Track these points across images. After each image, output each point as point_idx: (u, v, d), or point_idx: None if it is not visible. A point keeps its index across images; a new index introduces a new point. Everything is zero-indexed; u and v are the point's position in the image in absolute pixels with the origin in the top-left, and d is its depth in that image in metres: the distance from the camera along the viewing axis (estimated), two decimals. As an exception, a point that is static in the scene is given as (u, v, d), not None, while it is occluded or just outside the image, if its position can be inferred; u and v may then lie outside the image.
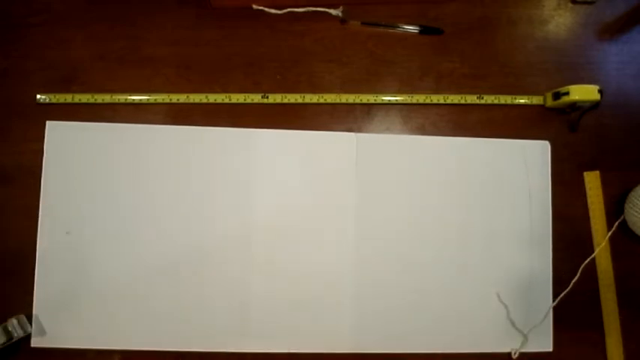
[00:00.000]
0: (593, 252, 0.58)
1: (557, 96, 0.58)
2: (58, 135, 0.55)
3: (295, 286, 0.55)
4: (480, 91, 0.59)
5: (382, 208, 0.57)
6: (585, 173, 0.59)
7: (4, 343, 0.51)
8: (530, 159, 0.58)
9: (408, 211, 0.57)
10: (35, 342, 0.53)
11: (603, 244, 0.58)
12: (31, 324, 0.53)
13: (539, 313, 0.57)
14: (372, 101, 0.58)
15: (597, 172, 0.59)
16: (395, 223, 0.57)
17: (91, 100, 0.56)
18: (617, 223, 0.58)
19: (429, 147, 0.58)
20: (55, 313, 0.54)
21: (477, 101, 0.59)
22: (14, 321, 0.51)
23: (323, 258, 0.56)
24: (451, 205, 0.57)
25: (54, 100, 0.56)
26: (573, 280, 0.57)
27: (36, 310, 0.53)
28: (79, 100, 0.56)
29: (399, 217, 0.57)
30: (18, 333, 0.51)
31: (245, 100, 0.57)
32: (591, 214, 0.59)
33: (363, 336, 0.55)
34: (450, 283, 0.56)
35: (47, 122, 0.55)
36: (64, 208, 0.54)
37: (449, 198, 0.57)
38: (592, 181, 0.59)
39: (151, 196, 0.55)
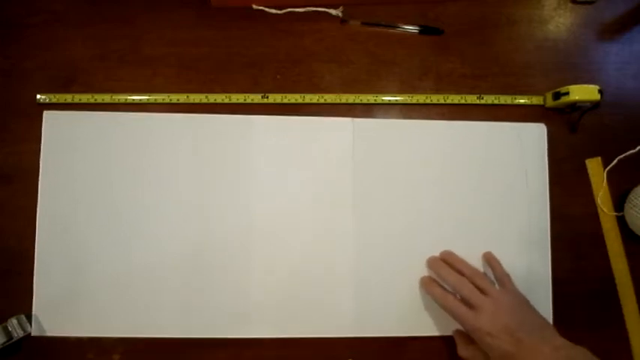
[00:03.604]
0: (594, 251, 0.58)
1: (557, 96, 0.58)
2: (55, 125, 0.55)
3: (296, 272, 0.55)
4: (480, 91, 0.59)
5: (380, 193, 0.57)
6: (587, 160, 0.59)
7: (4, 343, 0.51)
8: (527, 142, 0.58)
9: (406, 195, 0.57)
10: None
11: (613, 228, 0.58)
12: (30, 324, 0.53)
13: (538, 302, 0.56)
14: (372, 101, 0.58)
15: (599, 159, 0.59)
16: (393, 207, 0.57)
17: (91, 100, 0.56)
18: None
19: (426, 131, 0.58)
20: (55, 311, 0.53)
21: (477, 101, 0.59)
22: (14, 321, 0.51)
23: (323, 244, 0.56)
24: (448, 189, 0.57)
25: (54, 100, 0.56)
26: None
27: (35, 309, 0.53)
28: (79, 100, 0.56)
29: (396, 202, 0.57)
30: (18, 333, 0.51)
31: (245, 100, 0.57)
32: (598, 201, 0.58)
33: (366, 320, 0.55)
34: None
35: (44, 112, 0.55)
36: (61, 203, 0.54)
37: (445, 181, 0.57)
38: (594, 167, 0.59)
39: (148, 187, 0.55)
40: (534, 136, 0.59)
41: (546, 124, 0.59)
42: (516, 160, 0.58)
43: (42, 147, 0.55)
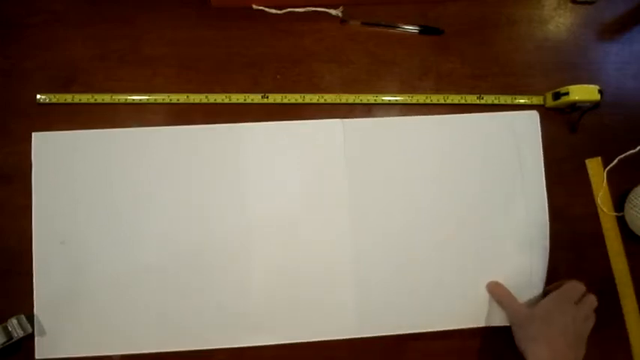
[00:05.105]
0: (594, 251, 0.58)
1: (557, 96, 0.58)
2: (44, 145, 0.55)
3: (295, 276, 0.55)
4: (480, 91, 0.59)
5: (375, 192, 0.57)
6: (587, 160, 0.59)
7: (4, 343, 0.51)
8: (520, 130, 0.58)
9: (401, 192, 0.57)
10: (39, 354, 0.53)
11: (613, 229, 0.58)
12: (31, 324, 0.53)
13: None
14: (372, 101, 0.58)
15: (599, 159, 0.59)
16: (389, 205, 0.57)
17: (91, 100, 0.56)
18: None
19: (417, 127, 0.58)
20: (55, 319, 0.53)
21: (477, 101, 0.59)
22: (14, 321, 0.51)
23: (321, 246, 0.56)
24: (444, 183, 0.57)
25: (54, 100, 0.56)
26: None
27: (37, 311, 0.53)
28: (79, 100, 0.56)
29: (392, 199, 0.57)
30: (18, 333, 0.51)
31: (245, 100, 0.57)
32: (598, 201, 0.58)
33: (367, 320, 0.55)
34: (447, 262, 0.56)
35: (33, 134, 0.55)
36: (56, 218, 0.54)
37: (441, 176, 0.57)
38: (594, 167, 0.59)
39: (143, 199, 0.55)
40: (527, 123, 0.59)
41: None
42: (511, 150, 0.58)
43: (33, 167, 0.55)
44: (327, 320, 0.55)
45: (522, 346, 0.51)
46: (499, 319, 0.56)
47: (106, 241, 0.55)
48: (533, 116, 0.59)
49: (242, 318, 0.55)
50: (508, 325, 0.55)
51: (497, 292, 0.56)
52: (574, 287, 0.53)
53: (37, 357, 0.53)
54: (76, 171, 0.55)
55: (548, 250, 0.57)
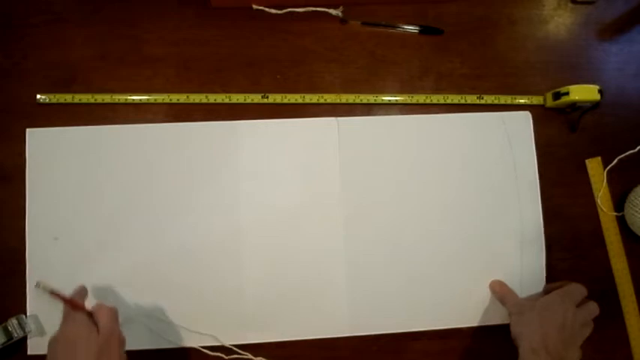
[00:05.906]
0: (594, 251, 0.58)
1: (557, 96, 0.58)
2: (38, 142, 0.55)
3: (289, 274, 0.55)
4: (480, 91, 0.59)
5: (369, 190, 0.57)
6: (587, 160, 0.59)
7: (4, 343, 0.51)
8: (513, 130, 0.58)
9: (394, 192, 0.57)
10: (32, 349, 0.53)
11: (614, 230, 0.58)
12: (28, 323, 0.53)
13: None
14: (372, 101, 0.58)
15: (599, 159, 0.59)
16: (382, 204, 0.57)
17: (91, 100, 0.56)
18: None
19: (410, 125, 0.58)
20: (49, 315, 0.53)
21: (477, 101, 0.59)
22: (14, 321, 0.51)
23: (314, 245, 0.56)
24: (436, 182, 0.57)
25: (54, 100, 0.56)
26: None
27: (29, 308, 0.53)
28: (79, 100, 0.56)
29: (386, 199, 0.57)
30: (18, 333, 0.51)
31: (245, 100, 0.57)
32: (598, 201, 0.59)
33: (361, 318, 0.55)
34: (442, 260, 0.57)
35: (27, 130, 0.55)
36: (50, 214, 0.54)
37: (433, 175, 0.58)
38: (594, 167, 0.59)
39: (137, 195, 0.55)
40: (520, 123, 0.59)
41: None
42: (505, 150, 0.58)
43: (27, 163, 0.54)
44: (323, 318, 0.55)
45: (517, 330, 0.51)
46: (497, 318, 0.56)
47: (100, 237, 0.54)
48: (527, 116, 0.59)
49: (237, 315, 0.55)
50: (506, 322, 0.55)
51: (499, 290, 0.56)
52: (578, 289, 0.52)
53: (29, 352, 0.53)
54: (71, 167, 0.55)
55: (544, 248, 0.57)
